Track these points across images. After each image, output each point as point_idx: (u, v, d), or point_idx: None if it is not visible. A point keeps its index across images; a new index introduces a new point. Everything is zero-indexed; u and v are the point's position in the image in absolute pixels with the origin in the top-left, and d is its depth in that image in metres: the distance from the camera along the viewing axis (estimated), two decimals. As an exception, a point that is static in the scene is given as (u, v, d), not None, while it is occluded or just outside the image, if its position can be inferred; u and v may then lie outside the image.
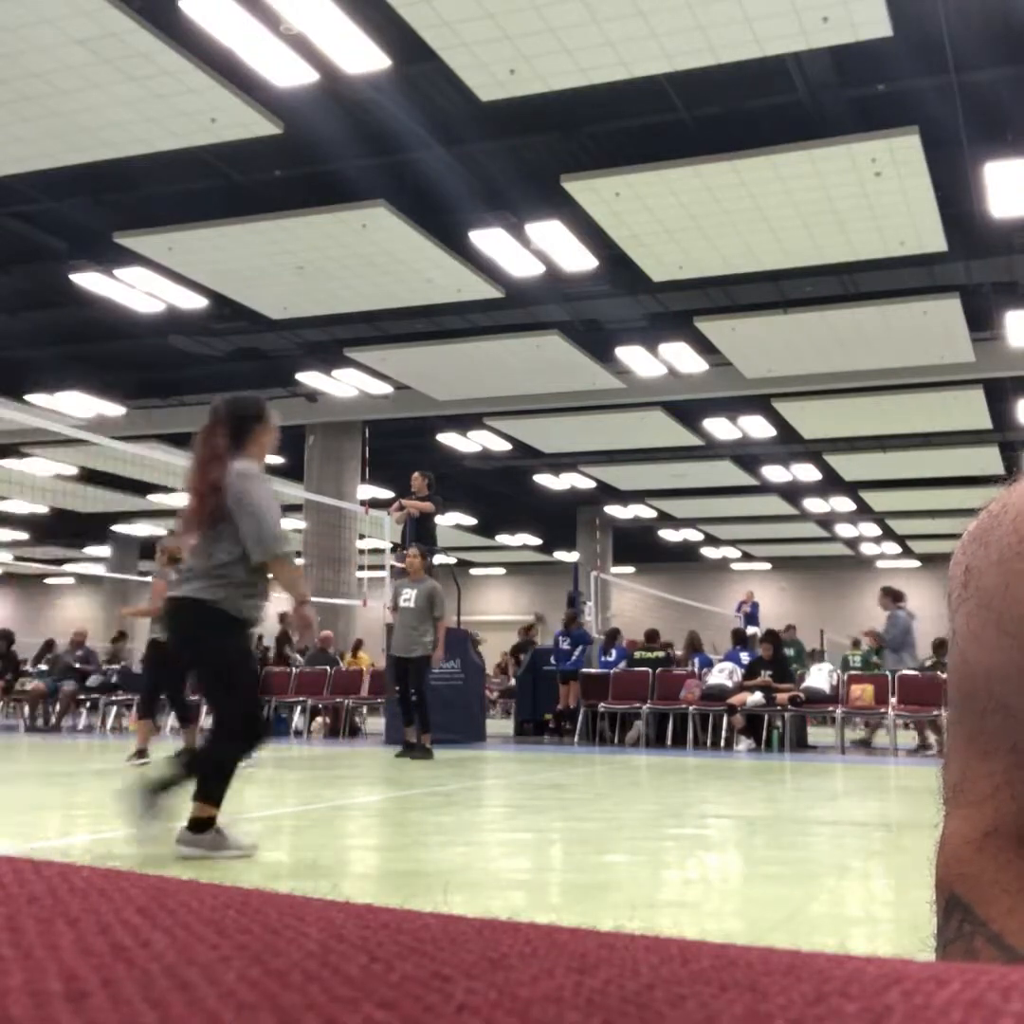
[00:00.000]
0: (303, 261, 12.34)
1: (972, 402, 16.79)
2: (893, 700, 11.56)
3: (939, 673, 11.45)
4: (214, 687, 4.26)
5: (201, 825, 3.99)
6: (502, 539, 30.79)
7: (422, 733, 9.73)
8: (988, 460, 20.21)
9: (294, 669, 14.39)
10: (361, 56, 8.38)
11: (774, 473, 22.05)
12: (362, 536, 17.80)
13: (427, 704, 9.73)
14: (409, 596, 9.79)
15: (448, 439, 20.13)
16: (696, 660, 13.86)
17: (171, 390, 18.12)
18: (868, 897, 3.74)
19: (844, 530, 28.75)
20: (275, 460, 21.30)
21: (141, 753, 8.59)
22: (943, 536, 27.70)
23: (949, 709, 0.50)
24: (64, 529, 28.68)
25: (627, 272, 12.51)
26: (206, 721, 13.52)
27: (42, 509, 25.71)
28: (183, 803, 4.00)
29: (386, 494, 20.89)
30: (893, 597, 12.78)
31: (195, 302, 13.53)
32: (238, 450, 4.19)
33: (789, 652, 13.88)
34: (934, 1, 8.12)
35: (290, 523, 26.21)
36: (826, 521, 27.60)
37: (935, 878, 0.49)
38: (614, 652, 13.85)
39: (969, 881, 0.47)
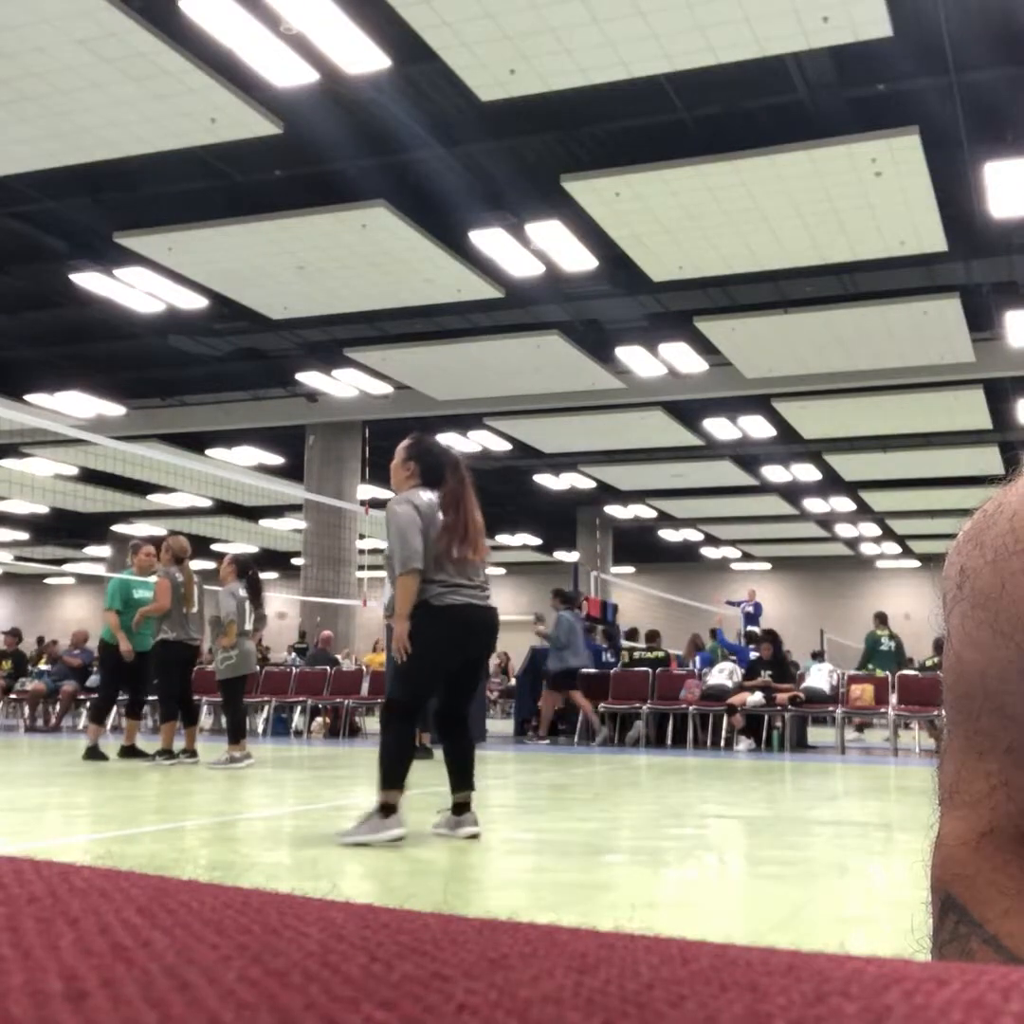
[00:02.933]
0: (303, 261, 12.34)
1: (972, 402, 16.79)
2: (893, 699, 11.57)
3: (939, 673, 11.45)
4: (476, 686, 4.99)
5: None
6: (502, 539, 30.79)
7: (421, 732, 9.78)
8: (988, 460, 20.20)
9: (294, 669, 14.39)
10: (361, 56, 8.37)
11: (774, 473, 22.04)
12: (362, 536, 17.81)
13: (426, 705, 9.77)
14: None
15: (448, 439, 20.13)
16: (698, 659, 13.87)
17: (171, 390, 18.12)
18: (868, 897, 3.74)
19: (844, 530, 28.74)
20: (275, 460, 21.33)
21: (168, 753, 8.75)
22: (943, 536, 27.63)
23: (945, 710, 0.50)
24: (64, 529, 28.69)
25: (627, 272, 12.51)
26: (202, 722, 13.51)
27: (42, 509, 25.71)
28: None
29: (386, 494, 20.87)
30: (562, 599, 13.17)
31: (195, 302, 13.53)
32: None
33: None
34: (934, 1, 8.12)
35: (290, 523, 26.25)
36: (826, 521, 27.59)
37: (930, 879, 0.48)
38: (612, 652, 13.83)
39: (965, 882, 0.46)
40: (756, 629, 16.53)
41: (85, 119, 9.45)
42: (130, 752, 9.16)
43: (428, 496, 4.71)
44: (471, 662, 4.79)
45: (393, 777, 4.58)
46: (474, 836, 4.67)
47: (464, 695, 4.82)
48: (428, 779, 7.73)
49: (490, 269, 12.47)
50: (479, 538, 4.74)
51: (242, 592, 8.80)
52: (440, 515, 4.66)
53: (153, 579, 9.12)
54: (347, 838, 4.50)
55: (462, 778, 4.76)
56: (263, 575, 9.84)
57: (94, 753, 9.01)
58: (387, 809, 4.52)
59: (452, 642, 4.64)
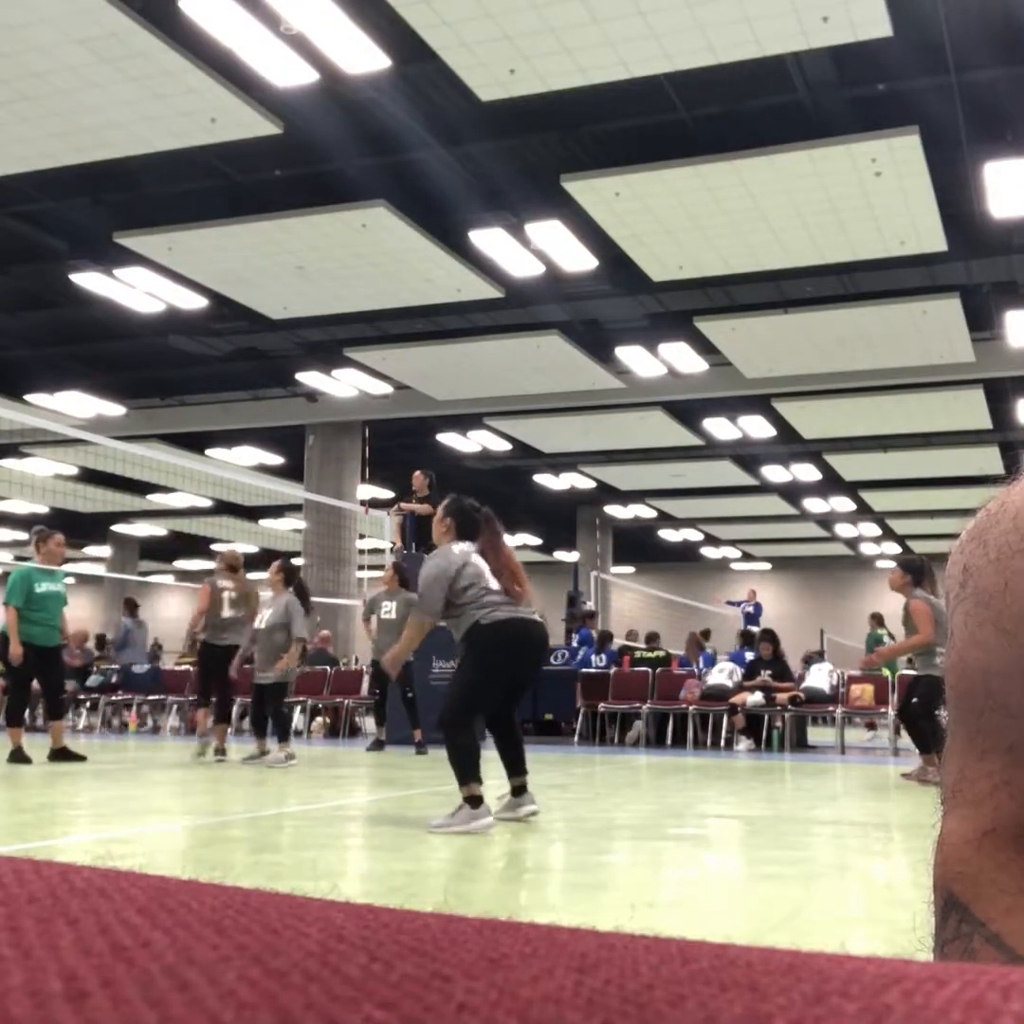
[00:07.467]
0: (303, 261, 12.34)
1: (972, 402, 16.79)
2: (893, 699, 11.56)
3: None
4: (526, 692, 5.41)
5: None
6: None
7: (413, 729, 10.15)
8: (988, 460, 20.21)
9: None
10: (361, 56, 8.37)
11: (774, 473, 22.05)
12: (362, 536, 17.80)
13: (416, 703, 10.23)
14: (389, 608, 10.22)
15: (448, 439, 20.13)
16: (700, 658, 13.87)
17: (171, 390, 18.12)
18: (868, 897, 3.74)
19: (844, 530, 28.74)
20: (275, 460, 21.32)
21: (221, 750, 9.16)
22: (943, 536, 27.68)
23: (948, 709, 0.50)
24: (64, 529, 28.65)
25: (627, 272, 12.51)
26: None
27: (42, 509, 25.71)
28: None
29: (386, 494, 20.88)
30: (130, 608, 15.89)
31: (195, 302, 13.53)
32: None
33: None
34: (934, 1, 8.12)
35: (290, 523, 26.23)
36: (826, 521, 27.60)
37: (933, 878, 0.49)
38: (604, 656, 13.79)
39: (967, 881, 0.46)
40: (755, 629, 16.52)
41: (85, 119, 9.45)
42: (61, 755, 8.48)
43: (460, 547, 5.20)
44: (526, 671, 5.23)
45: (469, 773, 4.94)
46: (533, 813, 5.22)
47: (514, 701, 5.28)
48: (427, 779, 7.73)
49: (490, 269, 12.47)
50: (519, 573, 5.27)
51: (298, 603, 9.09)
52: (474, 557, 5.16)
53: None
54: (442, 828, 4.81)
55: (515, 766, 5.29)
56: (263, 575, 9.99)
57: (18, 756, 8.25)
58: (474, 801, 4.88)
59: (510, 656, 5.07)
